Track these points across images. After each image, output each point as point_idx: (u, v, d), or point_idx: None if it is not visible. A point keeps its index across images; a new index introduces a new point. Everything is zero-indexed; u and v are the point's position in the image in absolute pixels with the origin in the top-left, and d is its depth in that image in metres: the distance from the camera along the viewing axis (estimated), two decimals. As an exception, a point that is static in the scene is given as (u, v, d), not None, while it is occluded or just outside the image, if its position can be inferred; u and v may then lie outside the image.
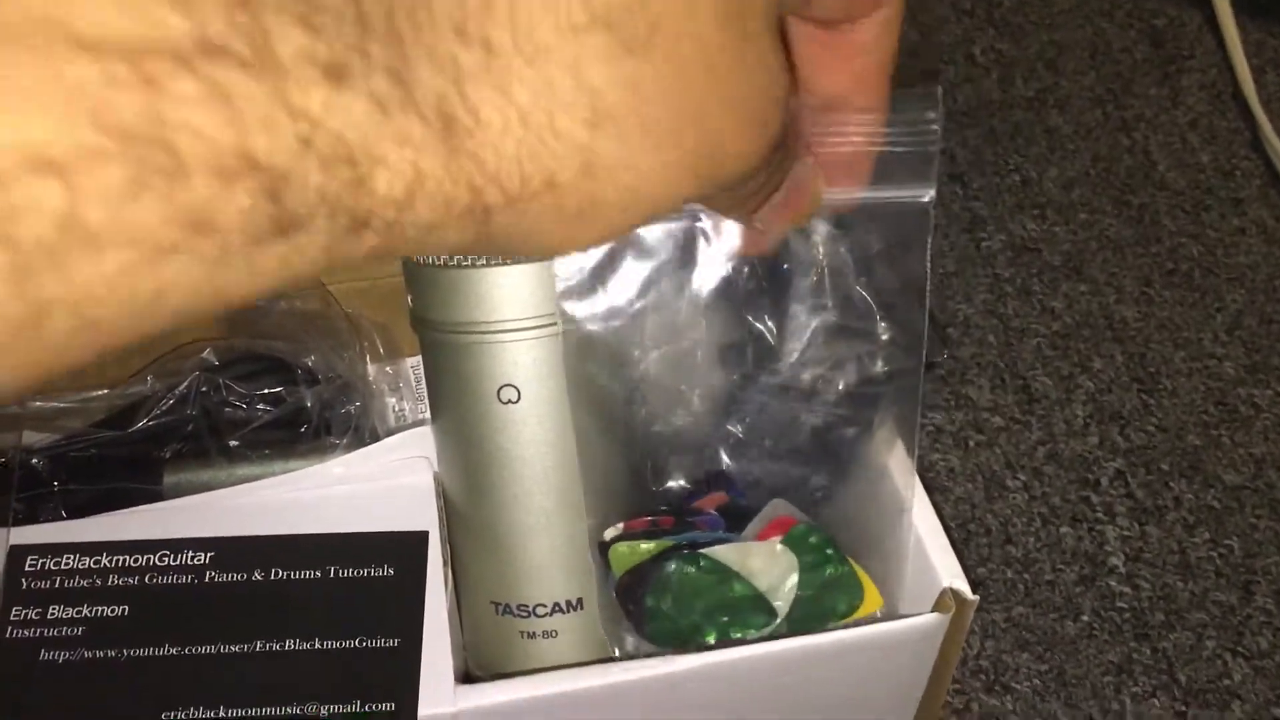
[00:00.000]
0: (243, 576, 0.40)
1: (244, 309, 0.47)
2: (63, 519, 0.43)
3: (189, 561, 0.40)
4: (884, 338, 0.42)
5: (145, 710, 0.37)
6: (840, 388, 0.42)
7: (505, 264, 0.39)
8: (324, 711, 0.37)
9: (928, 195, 0.37)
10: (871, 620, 0.42)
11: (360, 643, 0.38)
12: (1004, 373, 0.64)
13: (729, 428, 0.43)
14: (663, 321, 0.41)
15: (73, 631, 0.38)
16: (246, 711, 0.37)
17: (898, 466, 0.43)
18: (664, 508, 0.43)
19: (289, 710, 0.37)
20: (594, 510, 0.42)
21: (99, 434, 0.45)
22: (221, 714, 0.37)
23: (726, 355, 0.42)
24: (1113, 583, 0.55)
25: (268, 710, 0.37)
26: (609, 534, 0.43)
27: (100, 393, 0.46)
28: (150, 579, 0.39)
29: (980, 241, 0.70)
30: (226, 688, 0.37)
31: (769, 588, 0.42)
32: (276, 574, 0.40)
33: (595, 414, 0.41)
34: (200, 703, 0.37)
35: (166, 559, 0.40)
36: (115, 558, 0.40)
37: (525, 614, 0.43)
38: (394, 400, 0.48)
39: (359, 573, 0.40)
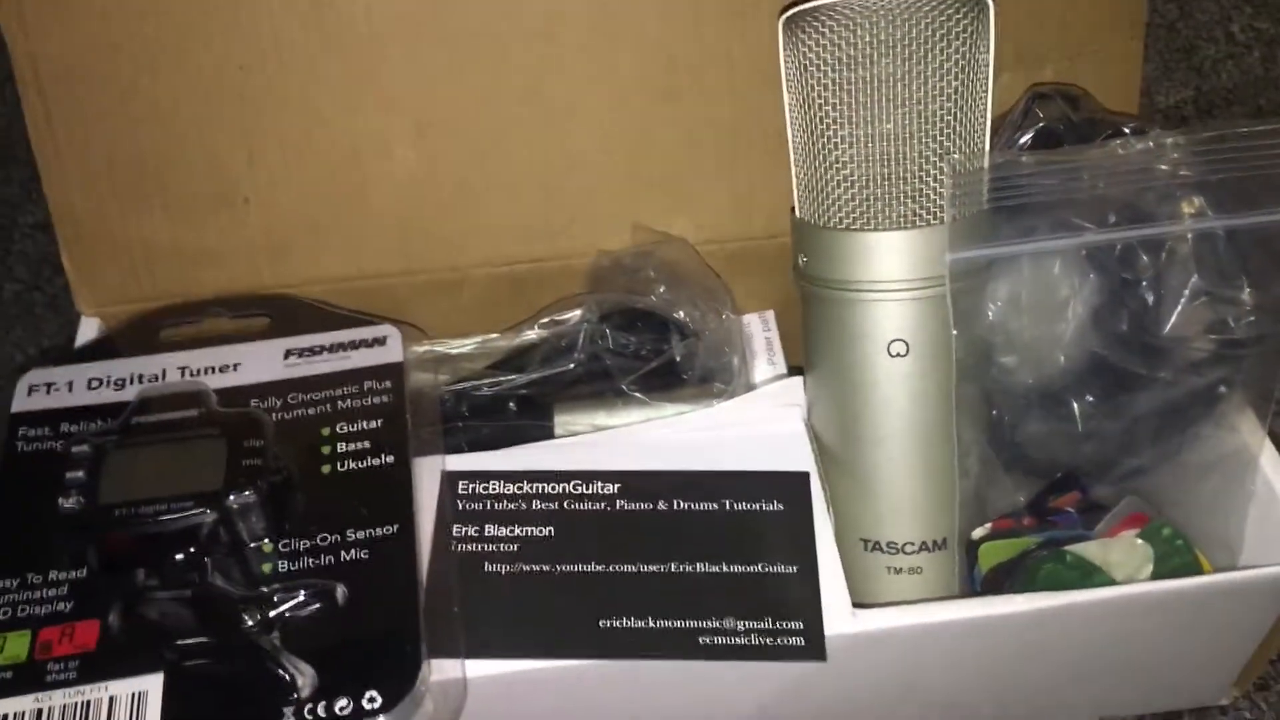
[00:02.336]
0: (649, 506, 0.44)
1: (615, 266, 0.51)
2: (464, 452, 0.48)
3: (600, 490, 0.45)
4: (1249, 304, 0.44)
5: (582, 618, 0.41)
6: (1205, 351, 0.44)
7: (904, 228, 0.43)
8: (740, 626, 0.41)
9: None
10: (1230, 568, 0.45)
11: (762, 568, 0.43)
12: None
13: (1090, 386, 0.46)
14: (1041, 282, 0.45)
15: (509, 548, 0.43)
16: (671, 623, 0.41)
17: (1247, 426, 0.46)
18: (1025, 510, 0.47)
19: (708, 623, 0.41)
20: (963, 512, 0.46)
21: (499, 376, 0.49)
22: (650, 624, 0.41)
23: (1099, 316, 0.44)
24: None
25: (689, 623, 0.41)
26: (977, 533, 0.47)
27: (493, 337, 0.51)
28: (568, 505, 0.44)
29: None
30: (650, 602, 0.42)
31: (1125, 578, 0.45)
32: (678, 505, 0.44)
33: (970, 367, 0.44)
34: (629, 613, 0.42)
35: (580, 488, 0.45)
36: (535, 485, 0.45)
37: (894, 550, 0.46)
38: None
39: (752, 506, 0.44)
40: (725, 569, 0.43)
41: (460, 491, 0.45)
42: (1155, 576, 0.45)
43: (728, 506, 0.44)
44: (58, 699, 0.37)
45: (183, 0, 0.47)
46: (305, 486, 0.43)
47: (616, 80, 0.51)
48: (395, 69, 0.49)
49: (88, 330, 0.51)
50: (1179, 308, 0.44)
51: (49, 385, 0.47)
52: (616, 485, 0.45)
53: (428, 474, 0.45)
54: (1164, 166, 0.43)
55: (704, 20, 0.50)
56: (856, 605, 0.42)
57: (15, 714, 0.37)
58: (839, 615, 0.42)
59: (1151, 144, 0.43)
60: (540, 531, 0.44)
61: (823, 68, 0.43)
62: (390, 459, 0.44)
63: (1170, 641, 0.46)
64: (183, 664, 0.38)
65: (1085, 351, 0.45)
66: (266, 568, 0.41)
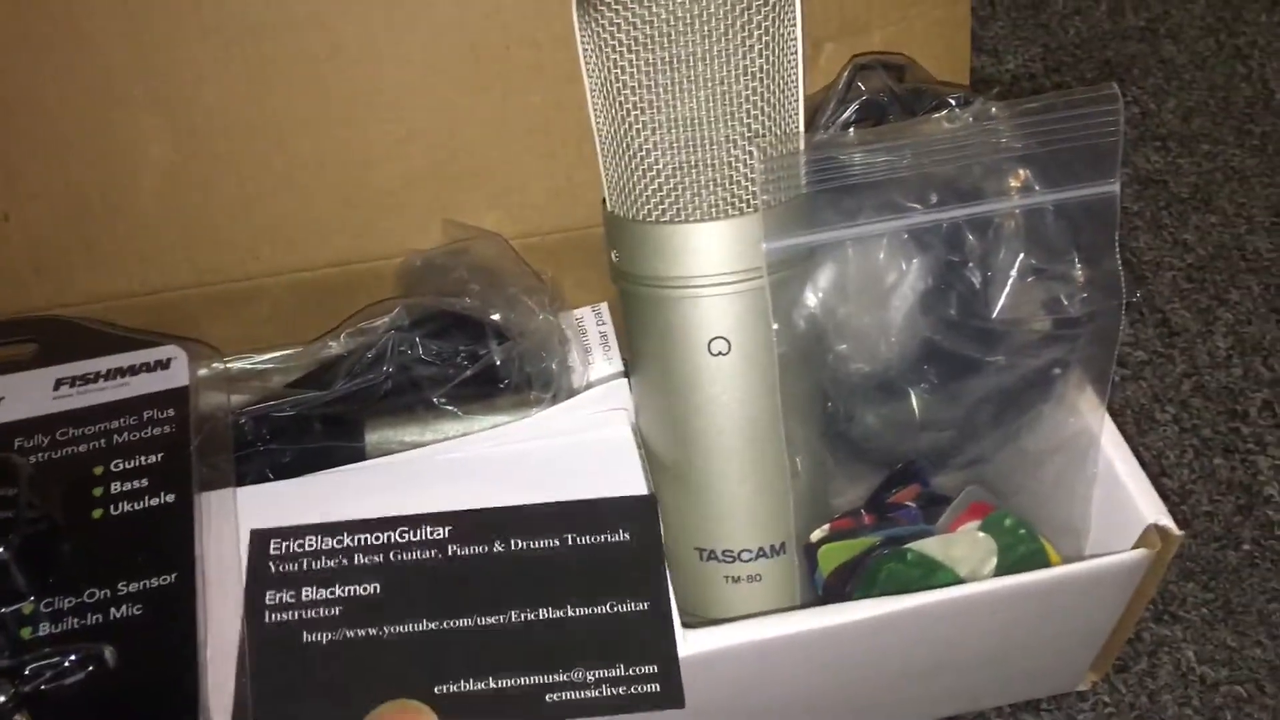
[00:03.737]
0: (483, 549, 0.40)
1: (427, 267, 0.48)
2: (269, 480, 0.44)
3: (429, 536, 0.40)
4: (1080, 280, 0.42)
5: (417, 685, 0.37)
6: (1039, 331, 0.42)
7: (715, 219, 0.40)
8: (590, 677, 0.37)
9: (1114, 186, 0.39)
10: (1079, 558, 0.43)
11: (611, 608, 0.38)
12: (1142, 307, 0.64)
13: (924, 373, 0.44)
14: (866, 267, 0.42)
15: (330, 612, 0.38)
16: (514, 681, 0.37)
17: (1087, 406, 0.44)
18: (864, 507, 0.45)
19: (555, 677, 0.37)
20: (799, 514, 0.43)
21: (300, 394, 0.45)
22: (492, 684, 0.37)
23: (928, 300, 0.42)
24: (1270, 512, 0.55)
25: (534, 679, 0.37)
26: (815, 535, 0.44)
27: (293, 351, 0.47)
28: (395, 555, 0.39)
29: (1105, 176, 0.70)
30: (491, 659, 0.37)
31: (969, 573, 0.43)
32: (515, 544, 0.40)
33: (796, 361, 0.42)
34: (469, 675, 0.37)
35: (407, 535, 0.40)
36: (357, 536, 0.40)
37: (731, 559, 0.44)
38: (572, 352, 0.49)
39: (596, 539, 0.40)
40: (571, 612, 0.39)
41: (273, 553, 0.40)
42: (1000, 568, 0.43)
43: (570, 541, 0.40)
44: None
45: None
46: (73, 535, 0.39)
47: (413, 69, 0.47)
48: (156, 63, 0.44)
49: None
50: (1009, 287, 0.41)
51: None
52: (447, 529, 0.40)
53: (218, 510, 0.41)
54: (988, 140, 0.41)
55: (504, 6, 0.46)
56: (687, 625, 0.39)
57: None
58: (667, 638, 0.39)
59: (974, 117, 0.41)
60: (365, 589, 0.39)
61: (618, 48, 0.39)
62: (170, 497, 0.40)
63: (1022, 633, 0.44)
64: (-77, 754, 0.34)
65: (916, 337, 0.43)
66: (25, 632, 0.37)
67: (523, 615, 0.38)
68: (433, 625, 0.37)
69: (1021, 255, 0.41)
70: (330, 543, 0.39)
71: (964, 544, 0.43)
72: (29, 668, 0.35)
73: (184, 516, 0.40)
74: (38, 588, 0.37)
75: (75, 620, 0.37)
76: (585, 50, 0.41)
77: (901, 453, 0.45)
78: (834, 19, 0.49)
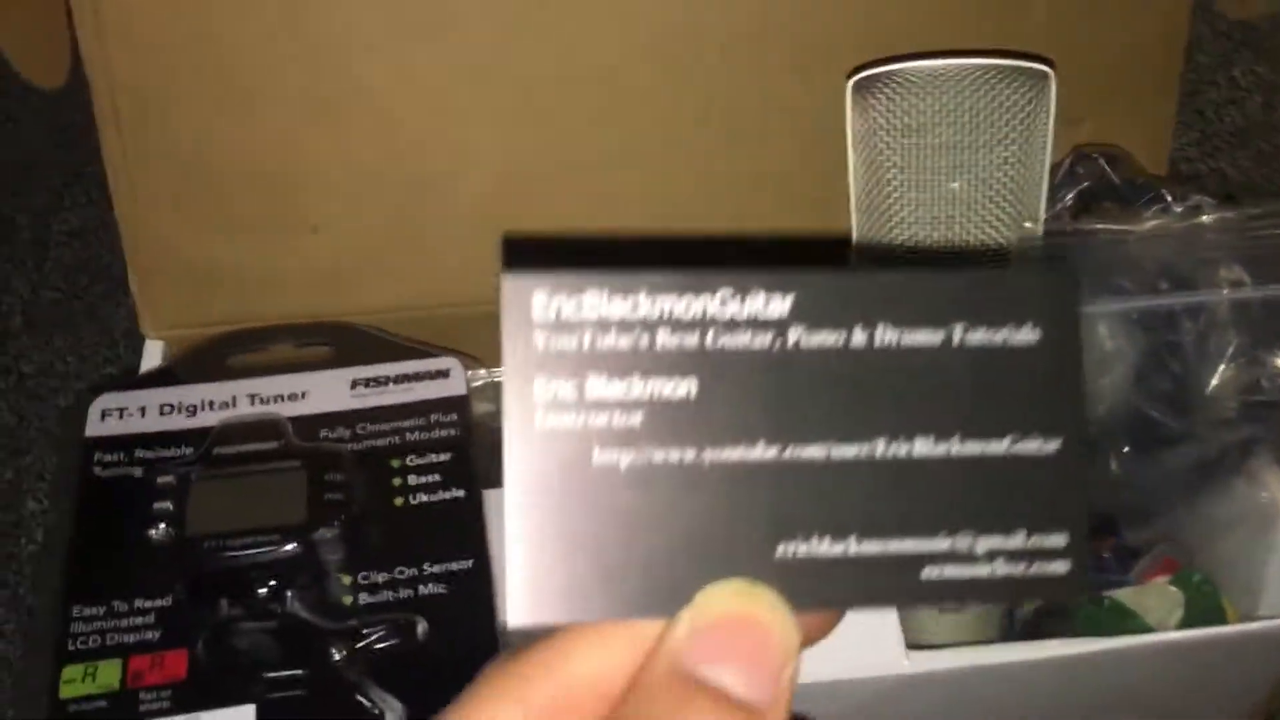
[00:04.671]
0: (839, 339, 0.24)
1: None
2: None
3: (763, 312, 0.24)
4: (1279, 366, 0.47)
5: (750, 543, 0.24)
6: (1238, 410, 0.47)
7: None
8: (980, 547, 0.24)
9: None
10: (1254, 618, 0.47)
11: (1010, 446, 0.25)
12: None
13: (1129, 438, 0.48)
14: (1089, 339, 0.47)
15: (627, 420, 0.24)
16: (883, 545, 0.24)
17: (1275, 483, 0.49)
18: None
19: (937, 544, 0.24)
20: None
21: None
22: (853, 548, 0.24)
23: (1143, 372, 0.47)
24: None
25: (910, 544, 0.24)
26: None
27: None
28: (715, 338, 0.24)
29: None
30: (849, 510, 0.24)
31: (1156, 622, 0.47)
32: (884, 335, 0.25)
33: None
34: (819, 530, 0.24)
35: (731, 306, 0.24)
36: (659, 302, 0.24)
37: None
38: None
39: (991, 337, 0.25)
40: (956, 449, 0.25)
41: (538, 317, 0.23)
42: (1183, 621, 0.48)
43: (954, 337, 0.25)
44: (154, 728, 0.38)
45: (263, 32, 0.48)
46: (380, 519, 0.45)
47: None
48: (469, 109, 0.50)
49: (152, 354, 0.52)
50: (1220, 369, 0.46)
51: (121, 410, 0.48)
52: (789, 299, 0.24)
53: (497, 507, 0.47)
54: (1207, 236, 0.46)
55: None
56: (910, 646, 0.44)
57: (113, 743, 0.38)
58: (893, 657, 0.44)
59: (1195, 217, 0.46)
60: (674, 388, 0.25)
61: (889, 131, 0.45)
62: (461, 492, 0.46)
63: (1196, 683, 0.48)
64: (273, 695, 0.39)
65: (1126, 405, 0.47)
66: (347, 600, 0.42)
67: (890, 448, 0.25)
68: (770, 452, 0.24)
69: (1233, 341, 0.46)
70: (623, 305, 0.24)
71: (1154, 595, 0.47)
72: (362, 629, 0.41)
73: (475, 509, 0.45)
74: (355, 563, 0.43)
75: (389, 593, 0.42)
76: (855, 128, 0.46)
77: (1101, 509, 0.49)
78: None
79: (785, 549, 0.24)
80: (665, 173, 0.53)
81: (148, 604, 0.42)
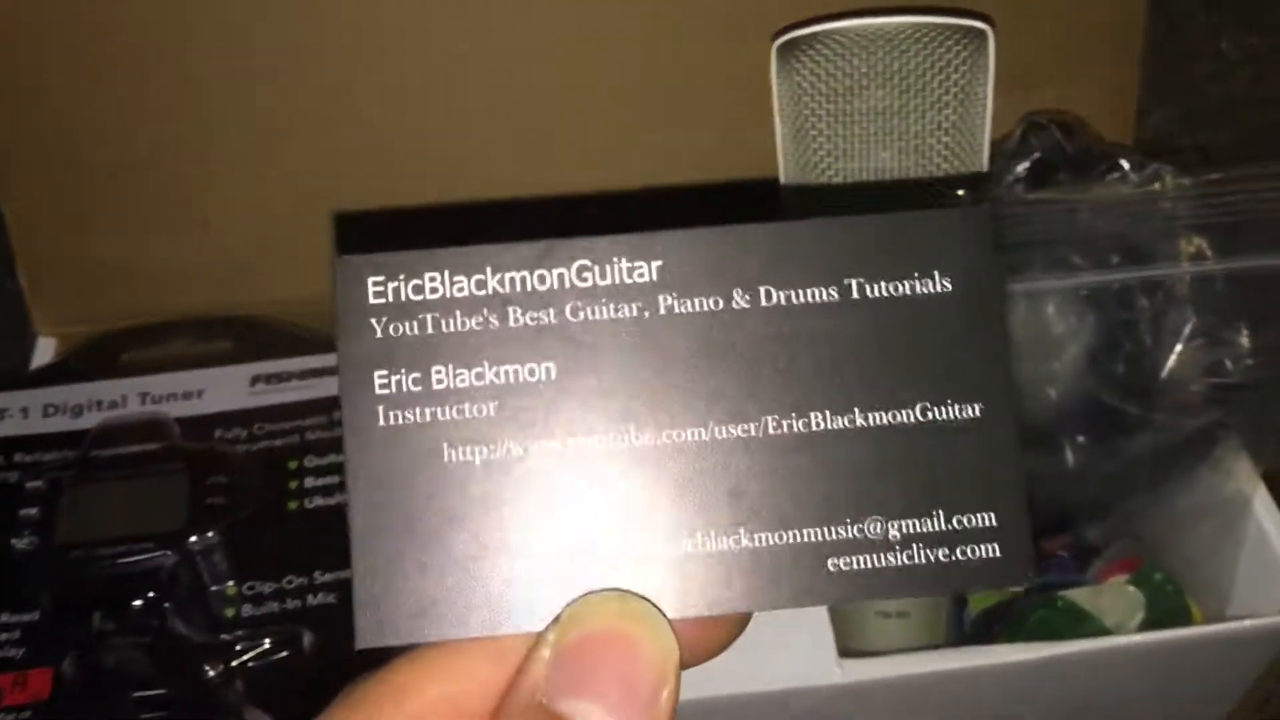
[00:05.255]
0: (715, 303, 0.21)
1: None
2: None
3: (626, 278, 0.21)
4: (1247, 347, 0.43)
5: (627, 541, 0.21)
6: (1201, 394, 0.43)
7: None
8: (892, 532, 0.21)
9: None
10: (1222, 619, 0.44)
11: (923, 414, 0.22)
12: None
13: (1084, 427, 0.45)
14: (1035, 320, 0.43)
15: (480, 410, 0.21)
16: (779, 536, 0.21)
17: (1242, 471, 0.45)
18: None
19: (839, 532, 0.21)
20: None
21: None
22: (743, 542, 0.21)
23: (1096, 356, 0.43)
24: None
25: (808, 533, 0.21)
26: None
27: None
28: (575, 311, 0.21)
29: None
30: (735, 500, 0.21)
31: (1115, 624, 0.44)
32: (770, 296, 0.22)
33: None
34: (705, 526, 0.21)
35: (590, 276, 0.21)
36: (507, 277, 0.21)
37: (881, 594, 0.45)
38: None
39: (894, 288, 0.22)
40: (856, 420, 0.21)
41: (374, 300, 0.21)
42: (1145, 623, 0.44)
43: (853, 292, 0.22)
44: (7, 755, 0.35)
45: (137, 16, 0.45)
46: (270, 524, 0.41)
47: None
48: (363, 86, 0.47)
49: (44, 351, 0.49)
50: (1177, 350, 0.42)
51: (2, 411, 0.45)
52: (654, 265, 0.21)
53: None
54: (1164, 205, 0.42)
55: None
56: (844, 654, 0.41)
57: (-38, 770, 0.35)
58: (825, 666, 0.41)
59: (1153, 185, 0.42)
60: (531, 371, 0.21)
61: (816, 97, 0.41)
62: (361, 495, 0.42)
63: (1160, 688, 0.45)
64: (141, 717, 0.36)
65: (1079, 391, 0.44)
66: (230, 612, 0.39)
67: (782, 425, 0.21)
68: (643, 438, 0.21)
69: (1191, 319, 0.42)
70: (468, 285, 0.21)
71: (1113, 595, 0.44)
72: (239, 645, 0.38)
73: (374, 514, 0.42)
74: (240, 572, 0.40)
75: (276, 604, 0.39)
76: (781, 94, 0.43)
77: (1056, 503, 0.46)
78: (1006, 74, 0.51)
79: (665, 547, 0.21)
80: (581, 145, 0.49)
81: (12, 619, 0.39)
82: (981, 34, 0.41)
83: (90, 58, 0.45)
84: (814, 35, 0.41)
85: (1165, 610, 0.44)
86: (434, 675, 0.20)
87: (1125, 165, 0.45)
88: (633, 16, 0.47)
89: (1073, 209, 0.42)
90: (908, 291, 0.22)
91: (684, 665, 0.19)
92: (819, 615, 0.42)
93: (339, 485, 0.43)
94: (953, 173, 0.41)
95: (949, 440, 0.22)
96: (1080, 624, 0.43)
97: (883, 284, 0.22)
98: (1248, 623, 0.42)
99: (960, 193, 0.40)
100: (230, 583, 0.40)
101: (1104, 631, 0.43)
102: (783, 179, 0.44)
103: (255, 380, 0.46)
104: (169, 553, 0.39)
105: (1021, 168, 0.47)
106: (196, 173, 0.48)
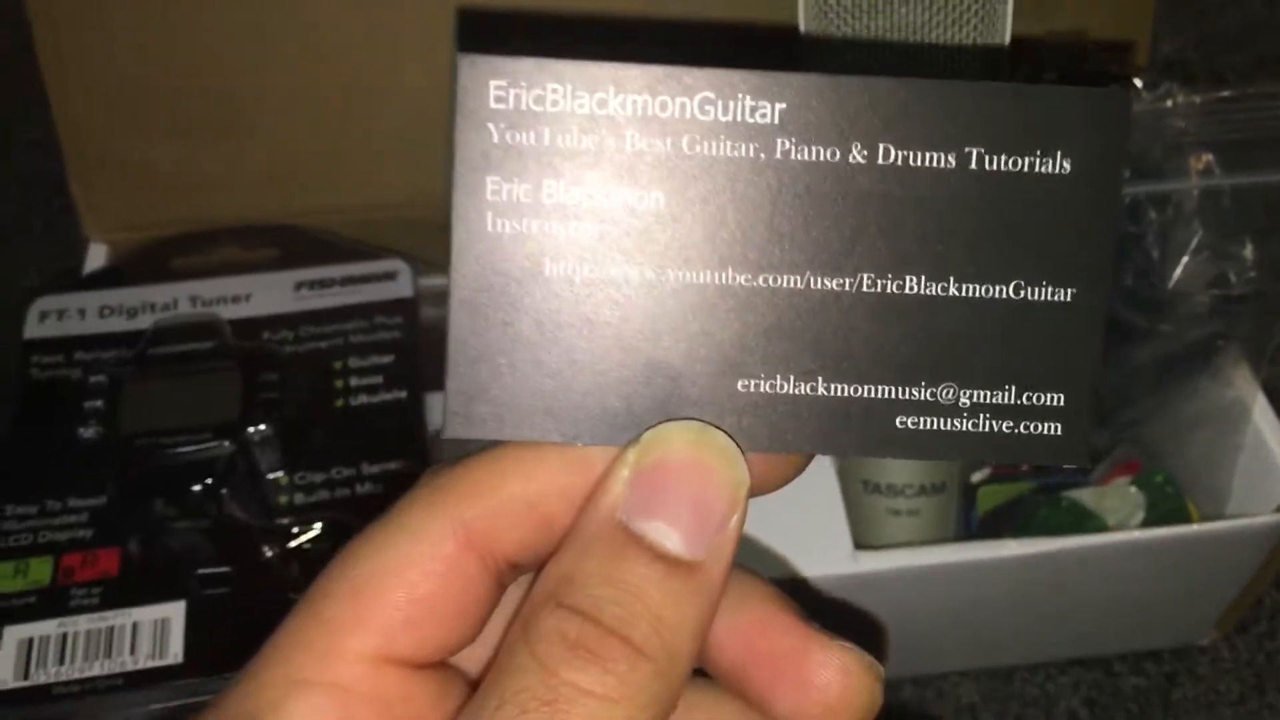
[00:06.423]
0: (831, 154, 0.21)
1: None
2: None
3: (748, 116, 0.21)
4: (1250, 260, 0.45)
5: (707, 373, 0.21)
6: (1205, 305, 0.45)
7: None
8: (963, 399, 0.22)
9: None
10: (1220, 519, 0.46)
11: (1016, 291, 0.22)
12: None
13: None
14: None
15: (583, 230, 0.21)
16: (853, 388, 0.22)
17: (1242, 379, 0.47)
18: None
19: (913, 392, 0.22)
20: None
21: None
22: (818, 389, 0.22)
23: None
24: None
25: (882, 390, 0.22)
26: (976, 476, 0.48)
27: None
28: (690, 145, 0.21)
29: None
30: (820, 348, 0.22)
31: (1117, 524, 0.46)
32: (885, 153, 0.21)
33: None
34: (784, 370, 0.22)
35: (712, 110, 0.21)
36: (630, 100, 0.21)
37: (894, 493, 0.47)
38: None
39: (1014, 164, 0.21)
40: (950, 290, 0.22)
41: (495, 105, 0.21)
42: (1146, 523, 0.46)
43: (973, 161, 0.21)
44: (82, 624, 0.38)
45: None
46: (318, 420, 0.44)
47: None
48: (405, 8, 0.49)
49: (96, 256, 0.51)
50: (1183, 262, 0.44)
51: (60, 312, 0.47)
52: (778, 107, 0.21)
53: (440, 411, 0.46)
54: (1173, 123, 0.44)
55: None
56: (858, 547, 0.43)
57: (40, 638, 0.38)
58: (842, 556, 0.43)
59: (1163, 103, 0.44)
60: (640, 198, 0.21)
61: (843, 14, 0.43)
62: (402, 394, 0.45)
63: (1157, 585, 0.47)
64: (204, 592, 0.39)
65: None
66: (282, 500, 0.42)
67: (877, 284, 0.22)
68: (740, 277, 0.22)
69: (1199, 233, 0.44)
70: (589, 102, 0.21)
71: (1115, 496, 0.46)
72: (294, 528, 0.40)
73: (415, 411, 0.44)
74: (291, 462, 0.42)
75: (324, 493, 0.42)
76: (807, 12, 0.44)
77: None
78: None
79: (746, 384, 0.22)
80: None
81: (81, 503, 0.41)
82: (1002, -47, 0.42)
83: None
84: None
85: (1165, 511, 0.46)
86: (513, 473, 0.21)
87: (1138, 84, 0.47)
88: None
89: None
90: (1026, 169, 0.21)
91: (750, 495, 0.21)
92: (836, 511, 0.44)
93: (381, 385, 0.45)
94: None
95: (1036, 320, 0.22)
96: (1083, 522, 0.46)
97: (1003, 157, 0.21)
98: (1242, 521, 0.45)
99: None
100: (281, 472, 0.42)
101: (1106, 530, 0.46)
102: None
103: (299, 285, 0.48)
104: (225, 443, 0.41)
105: (1037, 87, 0.49)
106: (245, 86, 0.49)
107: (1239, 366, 0.47)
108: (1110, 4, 0.53)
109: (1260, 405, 0.47)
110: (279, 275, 0.48)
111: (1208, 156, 0.44)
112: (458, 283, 0.21)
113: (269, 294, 0.48)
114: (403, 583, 0.20)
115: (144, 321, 0.46)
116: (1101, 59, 0.50)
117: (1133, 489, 0.46)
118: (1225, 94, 0.43)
